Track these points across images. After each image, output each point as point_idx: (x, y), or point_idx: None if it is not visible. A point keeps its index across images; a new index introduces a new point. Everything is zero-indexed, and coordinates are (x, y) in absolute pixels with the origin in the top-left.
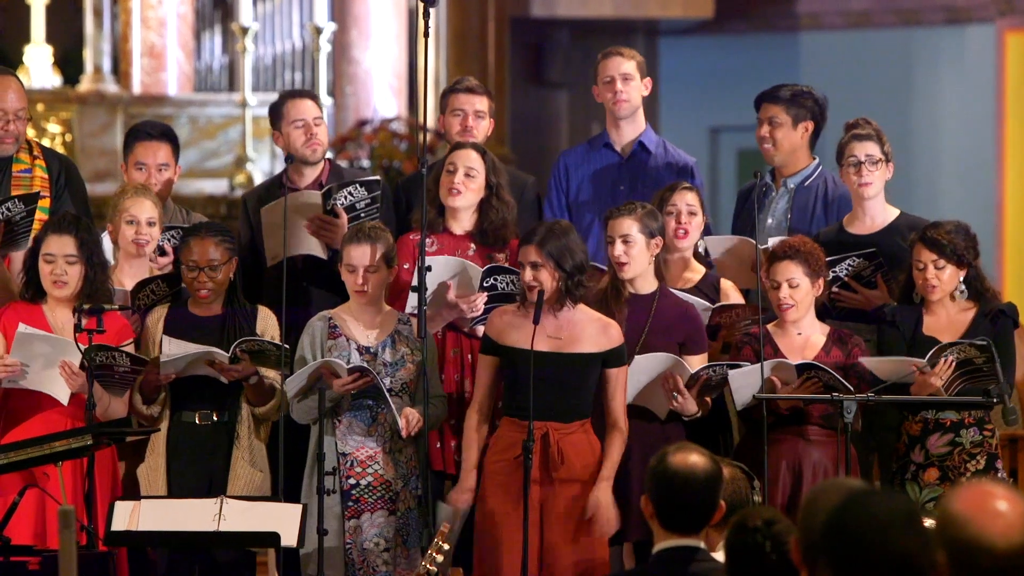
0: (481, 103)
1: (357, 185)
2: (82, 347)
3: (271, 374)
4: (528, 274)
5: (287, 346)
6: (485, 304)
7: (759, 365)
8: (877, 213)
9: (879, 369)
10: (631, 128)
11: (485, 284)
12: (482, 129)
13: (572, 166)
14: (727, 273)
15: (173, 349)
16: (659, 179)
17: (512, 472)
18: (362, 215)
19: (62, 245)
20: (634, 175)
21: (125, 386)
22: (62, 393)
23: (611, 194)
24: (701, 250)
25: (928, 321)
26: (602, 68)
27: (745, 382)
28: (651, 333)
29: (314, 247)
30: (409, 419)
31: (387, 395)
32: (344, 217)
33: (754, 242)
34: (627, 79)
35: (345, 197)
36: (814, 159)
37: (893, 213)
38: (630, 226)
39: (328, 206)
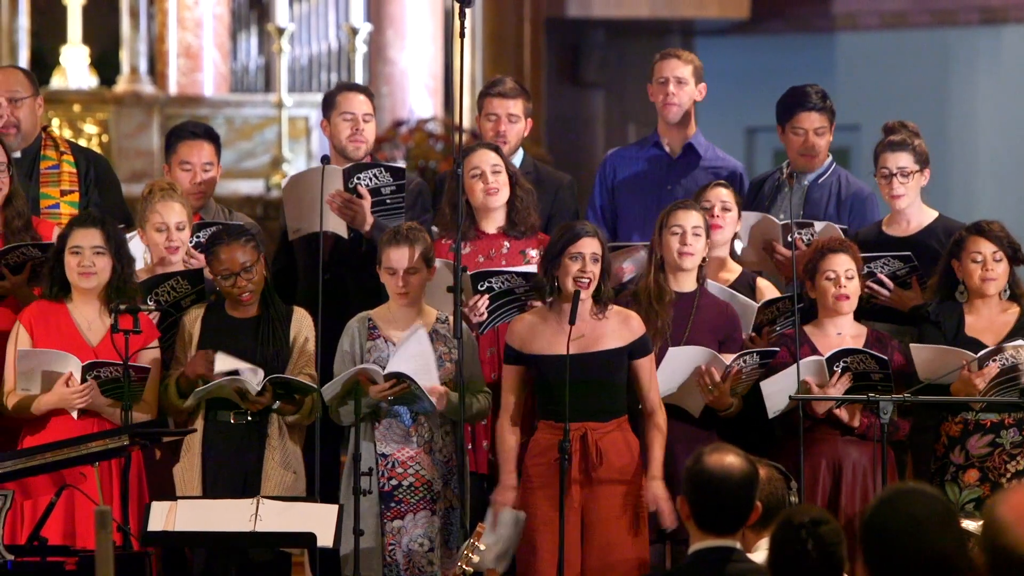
0: (515, 106)
1: (382, 169)
2: (80, 362)
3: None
4: (589, 265)
5: (314, 386)
6: (488, 307)
7: (787, 372)
8: (914, 215)
9: (927, 359)
10: (681, 130)
11: (480, 288)
12: (515, 132)
13: (620, 166)
14: (747, 254)
15: (224, 365)
16: (706, 182)
17: (552, 475)
18: (388, 201)
19: (89, 237)
20: (682, 176)
21: (139, 391)
22: (72, 408)
23: (658, 193)
24: (737, 249)
25: (970, 321)
26: (658, 68)
27: (776, 388)
28: (694, 331)
29: (336, 225)
30: (437, 393)
31: (424, 393)
32: (368, 199)
33: (776, 220)
34: (680, 83)
35: (370, 179)
36: (828, 156)
37: (931, 215)
38: (699, 219)
39: (351, 185)
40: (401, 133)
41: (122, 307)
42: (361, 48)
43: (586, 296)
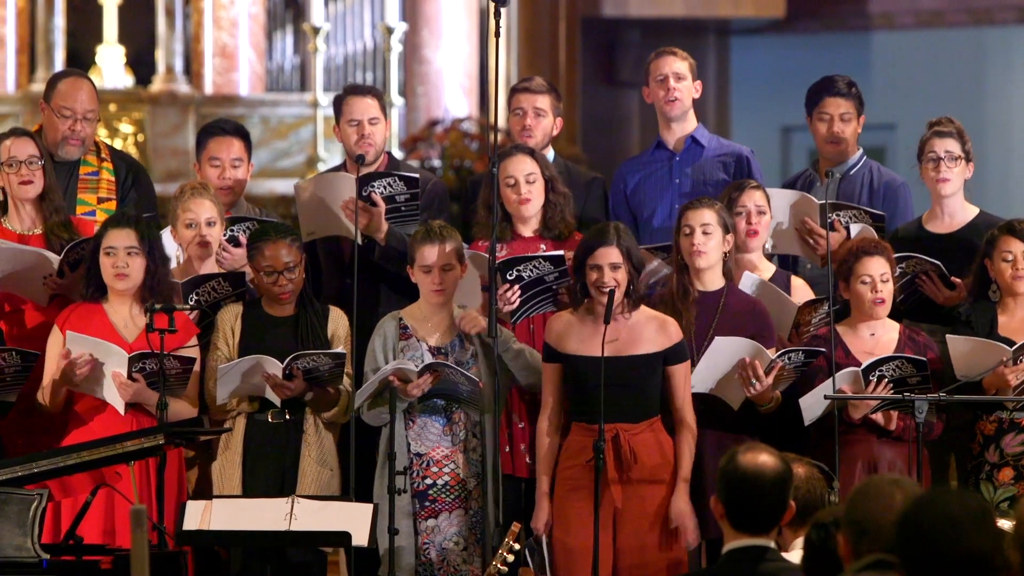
0: (542, 101)
1: (396, 178)
2: (126, 354)
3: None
4: (607, 275)
5: (343, 351)
6: (520, 296)
7: (824, 387)
8: (956, 211)
9: (963, 351)
10: (682, 127)
11: (510, 277)
12: (543, 127)
13: (628, 173)
14: (782, 236)
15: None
16: (714, 170)
17: (584, 476)
18: (402, 208)
19: (123, 238)
20: (688, 167)
21: (181, 387)
22: (119, 402)
23: (667, 188)
24: (768, 248)
25: (1002, 321)
26: (655, 67)
27: (812, 401)
28: (719, 329)
29: (350, 231)
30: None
31: (465, 374)
32: (382, 206)
33: (814, 200)
34: (680, 79)
35: (385, 187)
36: (859, 149)
37: (972, 212)
38: (710, 216)
39: (365, 192)
40: (436, 133)
41: (157, 306)
42: (396, 47)
43: (618, 298)
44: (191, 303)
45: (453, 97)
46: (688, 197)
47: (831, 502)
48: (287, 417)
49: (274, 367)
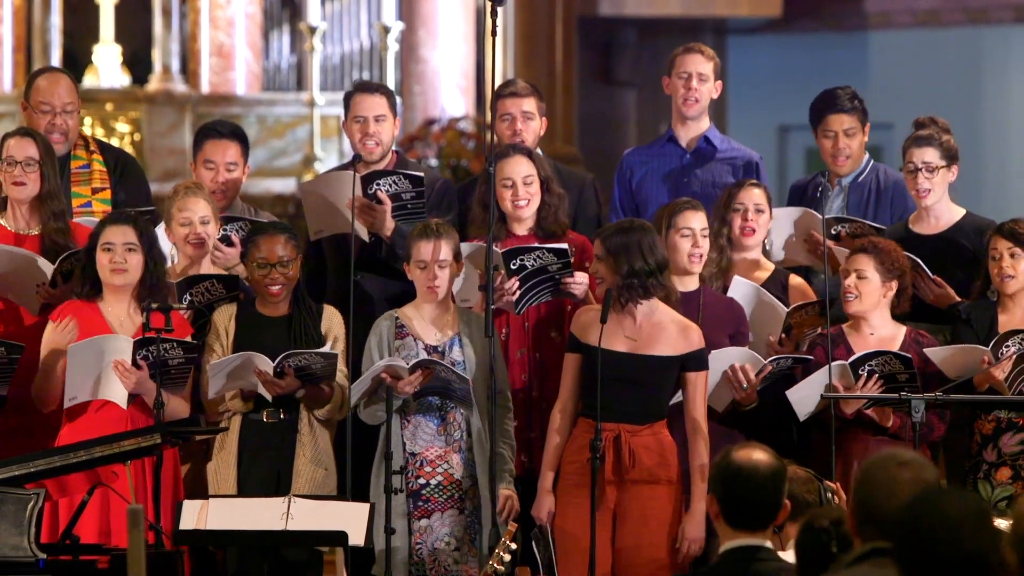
0: (528, 104)
1: (401, 176)
2: (131, 340)
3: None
4: (592, 265)
5: (336, 352)
6: (519, 286)
7: (811, 379)
8: (942, 213)
9: (945, 359)
10: (696, 125)
11: (513, 267)
12: (532, 130)
13: (636, 164)
14: (792, 251)
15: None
16: (723, 173)
17: (585, 473)
18: (408, 206)
19: (121, 234)
20: (698, 168)
21: (183, 380)
22: (120, 396)
23: (676, 187)
24: (768, 247)
25: (1003, 320)
26: (680, 62)
27: (802, 395)
28: (704, 328)
29: (357, 229)
30: (507, 504)
31: (457, 373)
32: (388, 204)
33: (818, 215)
34: (703, 79)
35: (390, 185)
36: (865, 154)
37: (959, 213)
38: (705, 219)
39: (370, 190)
40: (433, 132)
41: (154, 305)
42: (393, 47)
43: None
44: (184, 303)
45: (450, 96)
46: (695, 198)
47: (827, 500)
48: (282, 416)
49: (265, 364)
